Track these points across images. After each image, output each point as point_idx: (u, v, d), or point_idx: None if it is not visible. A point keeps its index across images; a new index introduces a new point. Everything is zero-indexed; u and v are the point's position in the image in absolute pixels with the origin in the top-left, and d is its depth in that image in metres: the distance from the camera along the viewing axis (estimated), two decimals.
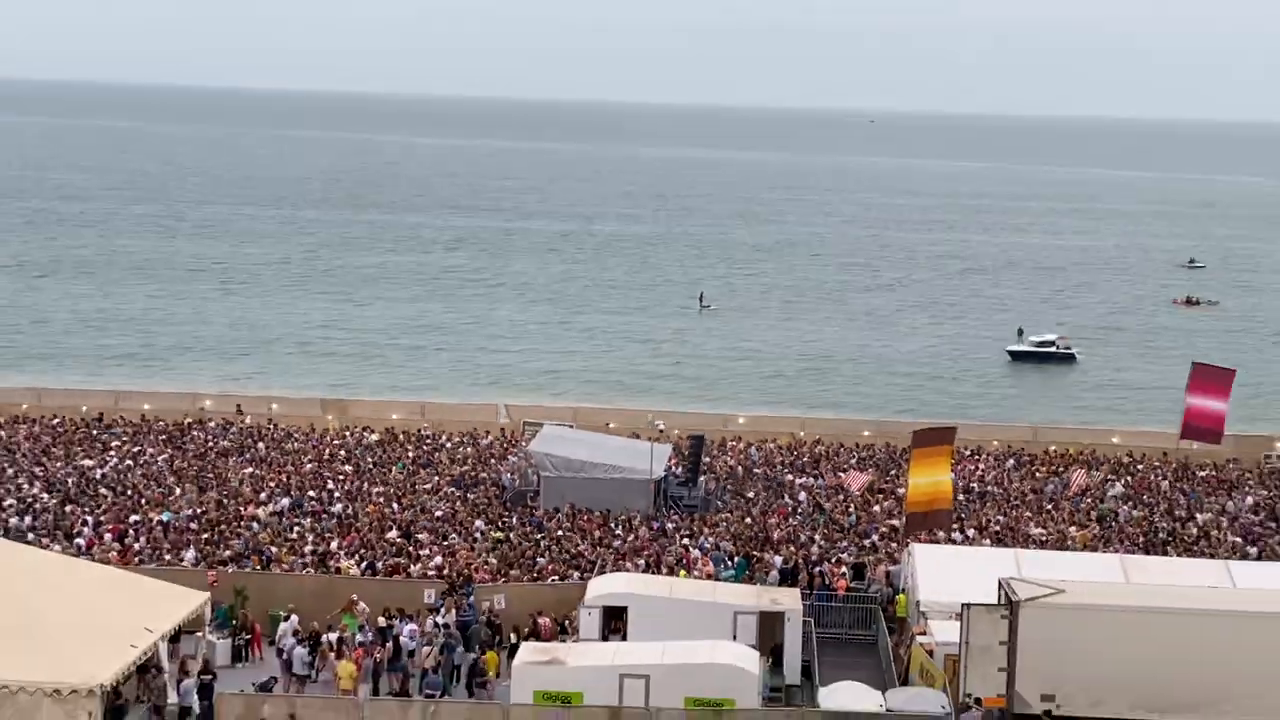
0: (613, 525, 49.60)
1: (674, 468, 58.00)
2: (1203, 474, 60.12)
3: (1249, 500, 55.15)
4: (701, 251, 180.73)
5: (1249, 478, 59.70)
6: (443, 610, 39.92)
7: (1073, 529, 50.04)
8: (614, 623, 37.21)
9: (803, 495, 55.29)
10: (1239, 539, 49.39)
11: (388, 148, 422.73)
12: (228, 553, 44.62)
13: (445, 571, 43.17)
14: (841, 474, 58.52)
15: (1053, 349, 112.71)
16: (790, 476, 58.57)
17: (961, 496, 52.95)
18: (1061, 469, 60.90)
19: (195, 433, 63.32)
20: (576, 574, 43.20)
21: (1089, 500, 55.05)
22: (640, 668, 32.84)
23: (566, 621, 39.26)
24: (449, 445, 62.84)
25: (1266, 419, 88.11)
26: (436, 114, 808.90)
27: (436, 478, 56.41)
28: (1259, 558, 46.56)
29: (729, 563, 45.05)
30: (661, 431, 66.48)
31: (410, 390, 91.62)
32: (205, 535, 46.34)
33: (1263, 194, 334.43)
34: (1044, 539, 48.51)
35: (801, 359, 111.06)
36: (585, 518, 50.40)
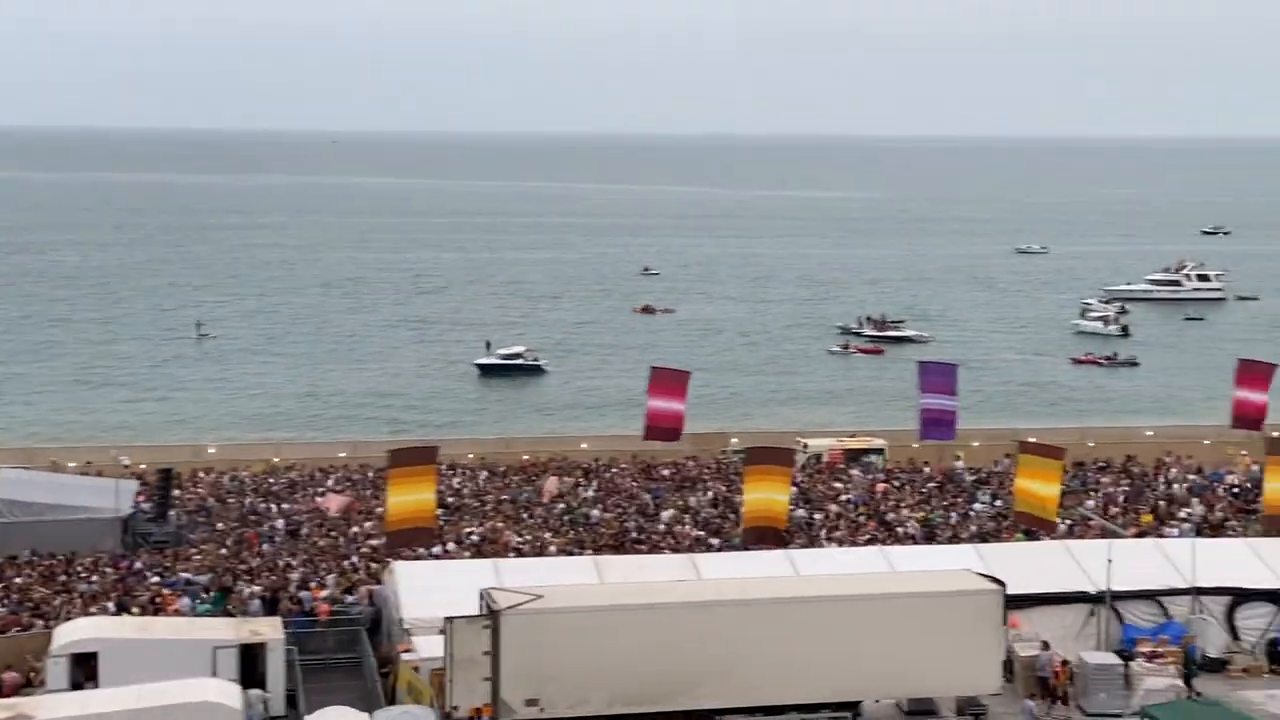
0: (79, 568, 47.19)
1: (142, 503, 55.81)
2: (666, 473, 62.86)
3: (709, 495, 58.06)
4: (174, 279, 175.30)
5: (707, 473, 62.85)
6: None
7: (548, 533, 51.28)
8: (85, 670, 35.37)
9: (279, 522, 54.31)
10: (701, 532, 51.91)
11: None
12: None
13: None
14: (319, 497, 57.86)
15: (520, 361, 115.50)
16: (265, 503, 57.43)
17: (440, 510, 53.32)
18: (534, 476, 62.34)
19: None
20: (41, 623, 40.84)
21: (562, 505, 56.55)
22: (115, 715, 31.35)
23: (32, 674, 37.07)
24: None
25: (722, 417, 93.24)
26: None
27: None
28: (720, 549, 49.05)
29: (205, 596, 43.72)
30: (127, 467, 63.87)
31: None
32: None
33: (713, 203, 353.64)
34: (522, 546, 49.49)
35: (284, 384, 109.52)
36: (48, 562, 47.73)
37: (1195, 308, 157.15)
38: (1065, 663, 38.68)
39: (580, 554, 47.33)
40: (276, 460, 67.48)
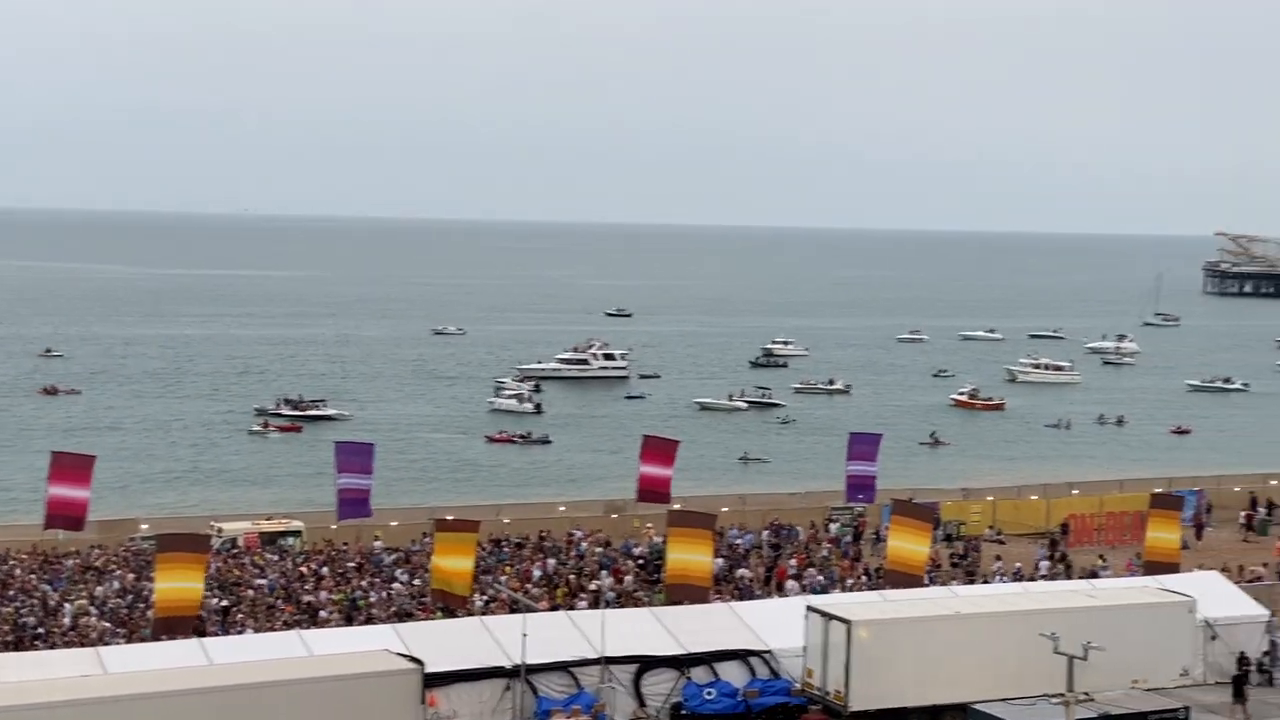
0: None
1: None
2: (70, 563, 59.50)
3: (116, 585, 55.32)
4: None
5: (114, 563, 59.76)
6: None
7: None
8: None
9: None
10: (108, 624, 49.40)
11: None
12: None
13: None
14: None
15: None
16: None
17: None
18: None
19: None
20: None
21: None
22: None
23: None
24: None
25: (132, 502, 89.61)
26: None
27: None
28: (128, 641, 46.78)
29: None
30: None
31: None
32: None
33: (127, 282, 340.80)
34: None
35: None
36: None
37: (635, 386, 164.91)
38: None
39: None
40: None
